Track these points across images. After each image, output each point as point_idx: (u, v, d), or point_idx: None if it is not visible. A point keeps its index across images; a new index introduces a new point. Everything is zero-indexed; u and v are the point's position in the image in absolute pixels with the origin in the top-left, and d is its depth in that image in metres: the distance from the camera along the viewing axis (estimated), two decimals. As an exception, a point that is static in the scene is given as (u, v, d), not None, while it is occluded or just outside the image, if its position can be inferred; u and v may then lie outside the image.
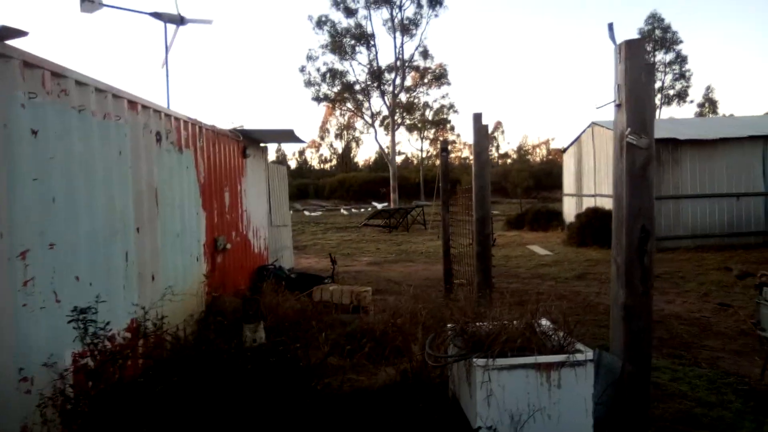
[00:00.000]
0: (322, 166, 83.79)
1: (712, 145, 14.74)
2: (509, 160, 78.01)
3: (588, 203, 17.98)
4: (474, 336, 3.23)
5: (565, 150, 20.97)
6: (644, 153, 2.63)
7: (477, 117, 5.61)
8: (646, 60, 2.60)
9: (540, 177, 46.14)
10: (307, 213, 38.47)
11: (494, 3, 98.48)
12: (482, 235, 5.63)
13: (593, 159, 17.80)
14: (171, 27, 11.81)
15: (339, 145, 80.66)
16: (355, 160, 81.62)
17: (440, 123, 56.70)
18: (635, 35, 40.83)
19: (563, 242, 16.24)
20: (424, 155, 64.51)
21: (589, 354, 3.09)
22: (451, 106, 56.94)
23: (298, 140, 10.07)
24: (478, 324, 3.48)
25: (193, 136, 6.52)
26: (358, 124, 42.85)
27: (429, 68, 42.61)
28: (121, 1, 11.57)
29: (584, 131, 18.56)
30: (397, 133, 59.67)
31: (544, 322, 3.58)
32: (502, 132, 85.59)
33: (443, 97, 57.07)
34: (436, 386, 4.10)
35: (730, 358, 5.99)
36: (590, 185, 18.12)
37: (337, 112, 56.87)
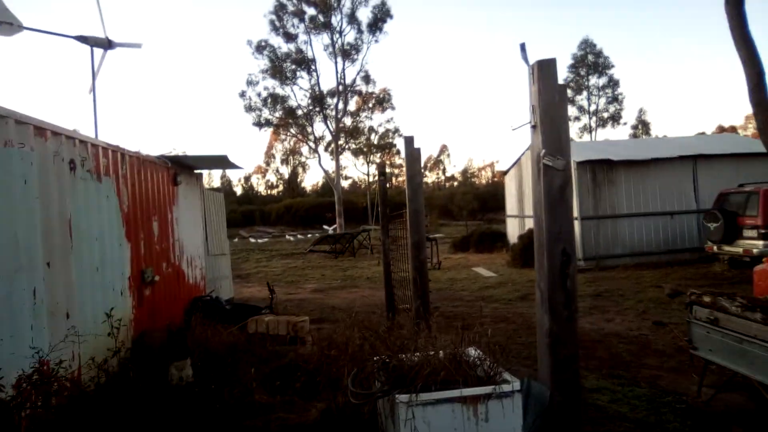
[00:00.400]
0: (269, 191, 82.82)
1: (645, 166, 15.20)
2: (455, 183, 79.10)
3: (530, 224, 18.21)
4: (397, 369, 3.07)
5: (506, 172, 21.29)
6: (561, 175, 2.56)
7: (408, 140, 5.52)
8: (557, 81, 2.54)
9: (486, 199, 46.85)
10: (252, 240, 37.79)
11: (435, 28, 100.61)
12: (418, 260, 5.51)
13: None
14: (98, 51, 11.45)
15: (286, 171, 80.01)
16: (303, 185, 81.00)
17: (385, 147, 56.96)
18: (569, 60, 42.35)
19: (507, 263, 16.36)
20: (371, 179, 64.67)
21: (516, 384, 2.97)
22: (396, 130, 57.42)
23: (233, 166, 9.81)
24: (402, 356, 3.32)
25: (114, 164, 6.20)
26: (304, 149, 42.58)
27: (372, 93, 42.95)
28: (43, 24, 11.14)
29: (524, 153, 18.89)
30: (342, 157, 59.64)
31: (472, 351, 3.45)
32: (448, 155, 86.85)
33: (388, 121, 57.50)
34: (367, 422, 3.92)
35: (668, 376, 6.02)
36: (531, 206, 18.39)
37: (283, 137, 56.64)
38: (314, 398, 4.77)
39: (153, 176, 7.69)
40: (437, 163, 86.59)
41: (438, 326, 8.64)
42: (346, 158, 60.77)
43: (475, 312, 10.01)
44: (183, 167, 9.26)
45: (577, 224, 14.98)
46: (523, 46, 2.61)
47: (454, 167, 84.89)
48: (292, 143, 59.44)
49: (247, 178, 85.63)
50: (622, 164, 15.12)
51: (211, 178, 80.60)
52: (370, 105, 37.39)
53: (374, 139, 58.51)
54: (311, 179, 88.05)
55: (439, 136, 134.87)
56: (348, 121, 34.04)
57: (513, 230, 20.14)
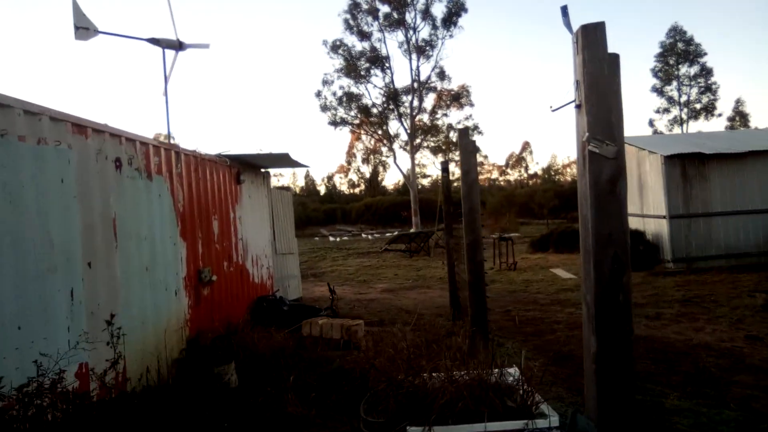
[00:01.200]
0: (351, 190, 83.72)
1: (741, 159, 13.90)
2: (538, 181, 76.86)
3: (614, 223, 17.18)
4: (412, 395, 2.67)
5: (589, 168, 20.27)
6: (612, 164, 2.10)
7: (463, 133, 5.11)
8: (607, 49, 2.08)
9: (569, 196, 45.02)
10: (332, 238, 38.13)
11: (514, 21, 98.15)
12: (474, 262, 5.09)
13: (618, 177, 17.05)
14: (170, 53, 11.64)
15: (367, 170, 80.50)
16: (383, 183, 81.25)
17: (466, 145, 56.20)
18: (657, 49, 39.85)
19: (588, 264, 15.44)
20: (451, 177, 64.01)
21: (555, 419, 2.51)
22: (476, 127, 56.66)
23: (296, 164, 9.70)
24: (425, 375, 2.92)
25: (167, 162, 6.15)
26: (383, 148, 42.38)
27: (450, 90, 42.24)
28: (117, 28, 11.45)
29: (608, 148, 17.86)
30: (420, 155, 59.53)
31: (513, 371, 3.00)
32: (531, 152, 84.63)
33: (466, 118, 56.72)
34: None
35: (764, 397, 5.28)
36: (616, 204, 17.34)
37: (363, 137, 56.96)
38: (354, 411, 4.47)
39: (213, 175, 7.66)
40: (519, 160, 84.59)
41: (503, 332, 8.14)
42: (425, 156, 60.68)
43: (549, 317, 9.41)
44: (247, 166, 9.23)
45: (665, 223, 13.91)
46: (564, 10, 2.16)
47: (536, 164, 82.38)
48: (372, 142, 59.84)
49: (330, 177, 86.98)
50: (715, 158, 13.89)
51: (296, 177, 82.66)
52: (447, 102, 36.72)
53: (453, 136, 58.07)
54: (392, 178, 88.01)
55: (522, 133, 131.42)
56: (424, 118, 33.55)
57: (596, 229, 19.10)
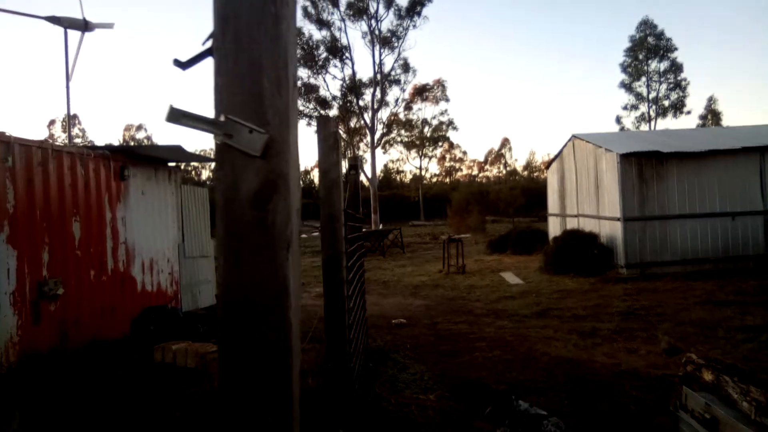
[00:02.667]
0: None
1: (702, 159, 13.09)
2: (518, 177, 76.37)
3: (572, 224, 16.34)
4: None
5: (548, 166, 19.38)
6: (261, 169, 1.12)
7: (322, 122, 4.11)
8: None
9: (543, 194, 44.21)
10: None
11: (494, 14, 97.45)
12: (332, 281, 4.09)
13: (575, 175, 16.19)
14: (73, 34, 10.52)
15: (343, 165, 79.21)
16: (361, 179, 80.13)
17: (438, 140, 55.35)
18: (626, 43, 39.02)
19: (539, 269, 14.58)
20: (423, 173, 63.15)
21: None
22: (450, 123, 55.85)
23: (199, 158, 8.65)
24: None
25: (-18, 154, 5.07)
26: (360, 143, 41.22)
27: (424, 85, 41.21)
28: (13, 4, 10.33)
29: (565, 145, 16.99)
30: (394, 150, 58.53)
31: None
32: (510, 149, 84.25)
33: (442, 113, 55.90)
34: None
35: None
36: (573, 204, 16.49)
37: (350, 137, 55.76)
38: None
39: (76, 169, 6.57)
40: (498, 157, 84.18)
41: (416, 351, 7.15)
42: (399, 151, 59.64)
43: (476, 331, 8.47)
44: (143, 160, 8.15)
45: (619, 226, 13.06)
46: None
47: (516, 161, 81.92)
48: (350, 138, 58.69)
49: (308, 172, 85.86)
50: (674, 157, 13.06)
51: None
52: (415, 96, 35.66)
53: (427, 131, 57.09)
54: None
55: (502, 129, 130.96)
56: (387, 113, 32.28)
57: (554, 231, 18.25)
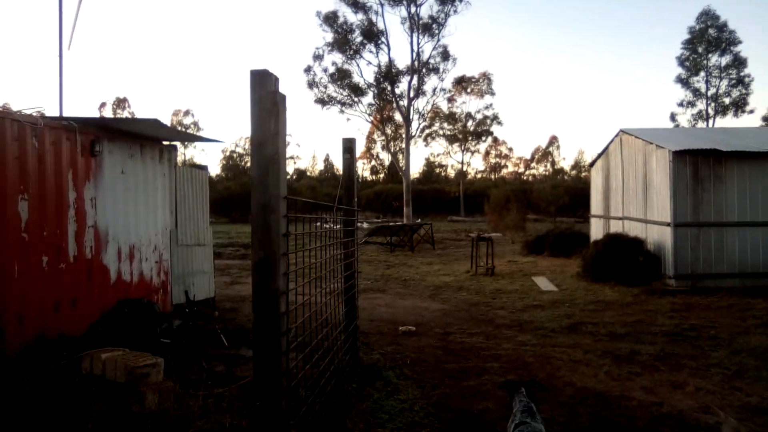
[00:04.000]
0: (373, 177, 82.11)
1: (766, 160, 11.53)
2: (566, 177, 73.94)
3: (616, 227, 14.90)
4: None
5: (592, 164, 17.88)
6: None
7: (257, 77, 3.05)
8: None
9: (588, 194, 42.05)
10: (326, 226, 36.25)
11: (547, 8, 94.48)
12: (264, 294, 3.03)
13: (621, 174, 14.72)
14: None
15: (386, 157, 78.41)
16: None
17: (482, 134, 53.73)
18: (685, 35, 36.39)
19: (577, 275, 13.24)
20: (465, 168, 61.58)
21: None
22: (495, 117, 54.18)
23: (177, 135, 7.74)
24: None
25: None
26: (381, 133, 39.47)
27: (466, 77, 39.70)
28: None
29: (612, 141, 15.50)
30: (437, 144, 57.13)
31: None
32: (558, 147, 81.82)
33: (487, 107, 54.24)
34: None
35: None
36: (618, 205, 15.03)
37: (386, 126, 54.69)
38: None
39: (25, 140, 5.69)
40: (545, 155, 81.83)
41: (416, 368, 6.06)
42: (441, 145, 58.17)
43: (493, 347, 7.31)
44: (124, 135, 7.28)
45: (669, 232, 11.63)
46: None
47: (563, 160, 79.47)
48: (394, 129, 57.65)
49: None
50: (735, 157, 11.53)
51: (315, 161, 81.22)
52: (456, 86, 34.19)
53: (471, 125, 55.50)
54: (415, 166, 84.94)
55: (550, 127, 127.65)
56: (422, 103, 30.61)
57: (596, 233, 16.81)
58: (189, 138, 8.81)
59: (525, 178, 76.40)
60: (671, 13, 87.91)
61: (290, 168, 79.72)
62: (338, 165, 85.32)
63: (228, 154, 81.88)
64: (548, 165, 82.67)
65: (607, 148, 15.94)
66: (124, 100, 73.53)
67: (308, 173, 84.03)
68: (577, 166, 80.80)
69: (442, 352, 7.06)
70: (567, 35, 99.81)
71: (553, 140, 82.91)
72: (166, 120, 79.19)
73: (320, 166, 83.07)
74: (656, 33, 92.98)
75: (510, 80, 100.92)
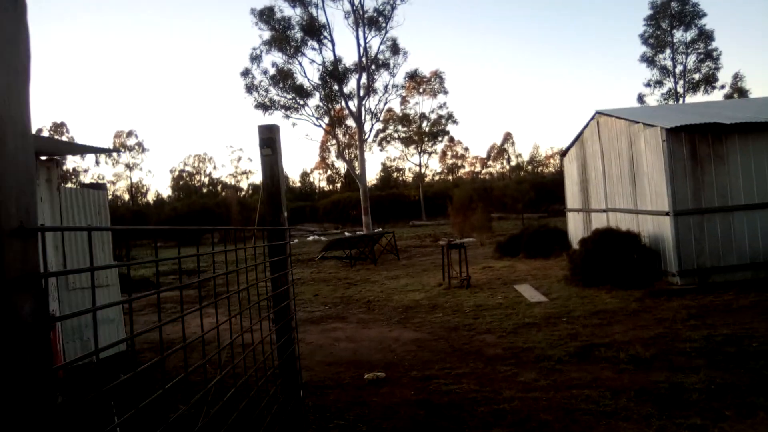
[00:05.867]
0: (329, 187, 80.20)
1: (773, 131, 10.09)
2: (522, 173, 73.35)
3: (599, 221, 13.33)
4: None
5: (564, 153, 16.32)
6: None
7: None
8: None
9: (551, 188, 41.05)
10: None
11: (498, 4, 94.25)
12: None
13: (601, 161, 13.16)
14: None
15: (341, 165, 76.56)
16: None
17: (438, 134, 52.48)
18: (647, 11, 35.29)
19: (565, 279, 11.57)
20: (423, 170, 60.16)
21: None
22: (449, 116, 52.94)
23: (49, 146, 5.72)
24: None
25: None
26: (335, 140, 37.36)
27: (424, 77, 38.10)
28: None
29: (587, 125, 13.96)
30: (392, 147, 55.51)
31: None
32: (512, 143, 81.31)
33: (440, 106, 52.96)
34: None
35: None
36: (600, 197, 13.46)
37: (338, 132, 52.68)
38: None
39: None
40: (501, 152, 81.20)
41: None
42: (397, 148, 56.55)
43: (489, 396, 5.45)
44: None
45: (668, 222, 10.06)
46: None
47: (519, 156, 78.90)
48: (347, 137, 55.73)
49: (306, 174, 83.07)
50: (737, 131, 10.05)
51: (293, 180, 78.77)
52: (404, 87, 32.44)
53: (425, 126, 54.11)
54: (371, 173, 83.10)
55: (503, 123, 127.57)
56: (374, 102, 28.79)
57: (576, 229, 15.25)
58: (71, 149, 7.05)
59: (482, 177, 75.57)
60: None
61: (244, 184, 77.14)
62: (293, 176, 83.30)
63: (177, 174, 78.86)
64: (504, 162, 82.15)
65: (581, 134, 14.39)
66: (62, 124, 69.87)
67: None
68: (532, 161, 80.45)
69: (423, 413, 5.16)
70: (515, 27, 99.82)
71: (508, 136, 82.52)
72: (106, 143, 75.69)
73: (286, 178, 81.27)
74: (610, 13, 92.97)
75: (460, 78, 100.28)
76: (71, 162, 69.90)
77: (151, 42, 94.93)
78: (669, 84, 40.42)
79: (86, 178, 70.71)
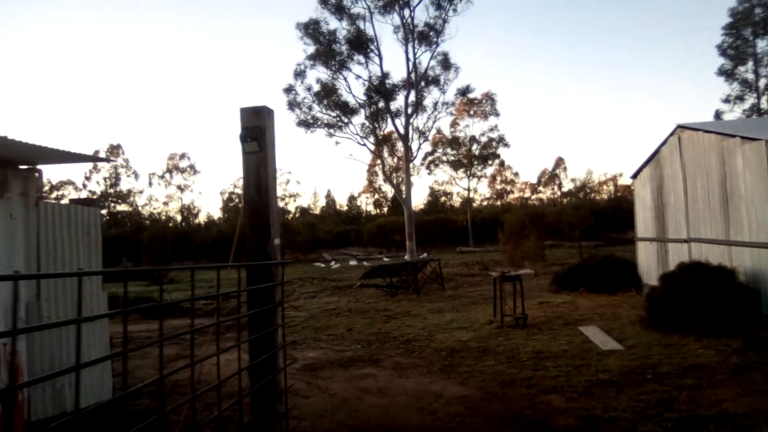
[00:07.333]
0: (377, 210, 79.25)
1: None
2: (573, 199, 70.53)
3: (678, 253, 11.48)
4: None
5: (635, 175, 14.50)
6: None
7: None
8: None
9: (608, 215, 38.60)
10: (322, 265, 32.85)
11: (551, 26, 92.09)
12: None
13: (682, 183, 11.36)
14: None
15: (388, 188, 75.51)
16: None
17: (488, 158, 50.78)
18: (726, 18, 32.30)
19: (639, 320, 9.79)
20: (472, 194, 58.29)
21: None
22: (501, 139, 51.16)
23: (70, 156, 4.54)
24: None
25: None
26: (382, 162, 35.95)
27: (475, 99, 36.53)
28: None
29: (665, 142, 12.18)
30: (440, 171, 53.98)
31: None
32: (564, 169, 78.56)
33: (491, 129, 51.27)
34: None
35: None
36: (680, 224, 11.62)
37: (385, 153, 51.47)
38: None
39: None
40: (552, 177, 78.58)
41: None
42: (446, 172, 54.98)
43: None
44: None
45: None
46: None
47: (571, 182, 76.08)
48: (395, 160, 54.44)
49: (353, 197, 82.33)
50: None
51: (316, 197, 78.47)
52: (455, 109, 30.86)
53: (475, 149, 52.43)
54: (419, 197, 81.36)
55: (555, 148, 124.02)
56: (422, 121, 27.19)
57: (648, 261, 13.39)
58: (55, 156, 6.07)
59: (532, 202, 73.15)
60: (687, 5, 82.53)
61: (292, 206, 76.78)
62: (340, 200, 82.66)
63: (227, 196, 79.19)
64: (555, 188, 79.44)
65: (657, 152, 12.62)
66: (118, 146, 71.18)
67: (311, 210, 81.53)
68: (584, 187, 77.15)
69: None
70: (567, 51, 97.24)
71: (560, 161, 79.82)
72: (160, 165, 76.35)
73: (322, 202, 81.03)
74: (676, 25, 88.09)
75: (510, 101, 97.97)
76: (125, 183, 71.01)
77: (201, 69, 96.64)
78: (751, 99, 36.78)
79: (140, 200, 71.70)
